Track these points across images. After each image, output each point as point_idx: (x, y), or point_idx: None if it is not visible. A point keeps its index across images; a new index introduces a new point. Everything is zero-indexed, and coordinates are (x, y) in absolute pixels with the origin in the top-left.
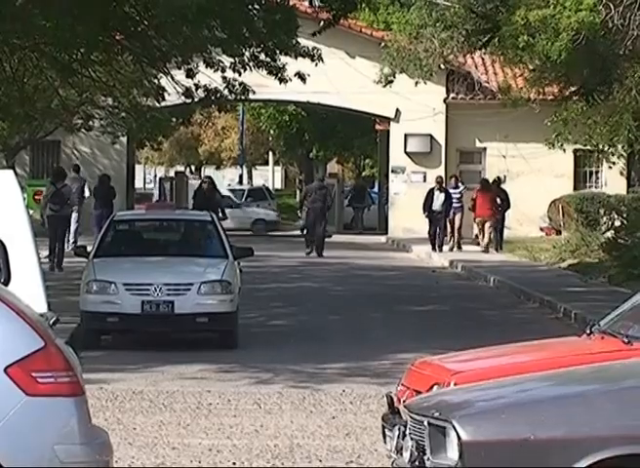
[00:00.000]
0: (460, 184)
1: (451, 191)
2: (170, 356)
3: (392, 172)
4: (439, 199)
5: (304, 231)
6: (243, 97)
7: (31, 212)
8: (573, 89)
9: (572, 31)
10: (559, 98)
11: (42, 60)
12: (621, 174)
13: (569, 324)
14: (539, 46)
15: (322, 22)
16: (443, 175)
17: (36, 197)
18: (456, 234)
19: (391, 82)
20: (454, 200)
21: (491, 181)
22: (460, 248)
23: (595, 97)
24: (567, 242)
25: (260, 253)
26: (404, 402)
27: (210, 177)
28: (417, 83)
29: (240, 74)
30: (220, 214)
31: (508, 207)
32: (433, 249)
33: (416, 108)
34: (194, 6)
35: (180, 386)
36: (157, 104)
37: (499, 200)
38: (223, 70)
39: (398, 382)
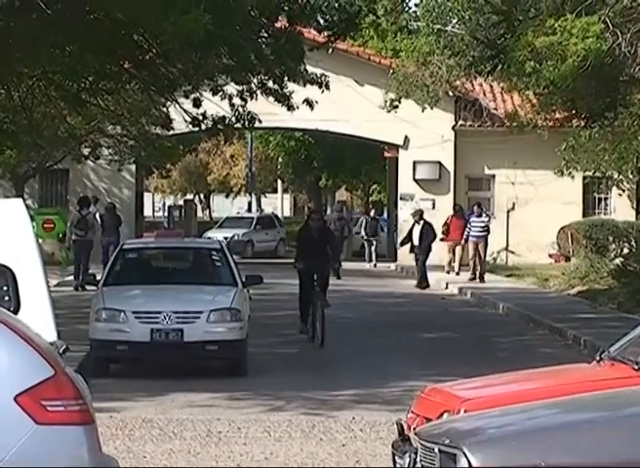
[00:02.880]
0: (483, 214)
1: (473, 219)
2: (179, 384)
3: (401, 199)
4: (416, 232)
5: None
6: (251, 126)
7: (40, 240)
8: (578, 115)
9: (578, 58)
10: (566, 124)
11: (50, 89)
12: (628, 197)
13: (579, 350)
14: (545, 72)
15: (328, 42)
16: (453, 201)
17: (45, 226)
18: (478, 265)
19: (396, 107)
20: (478, 229)
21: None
22: (482, 279)
23: (600, 123)
24: (576, 269)
25: (268, 281)
26: (414, 429)
27: (317, 212)
28: (424, 109)
29: (246, 102)
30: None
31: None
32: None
33: (424, 135)
34: (202, 33)
35: (189, 414)
36: (166, 132)
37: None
38: (231, 98)
39: (408, 409)
